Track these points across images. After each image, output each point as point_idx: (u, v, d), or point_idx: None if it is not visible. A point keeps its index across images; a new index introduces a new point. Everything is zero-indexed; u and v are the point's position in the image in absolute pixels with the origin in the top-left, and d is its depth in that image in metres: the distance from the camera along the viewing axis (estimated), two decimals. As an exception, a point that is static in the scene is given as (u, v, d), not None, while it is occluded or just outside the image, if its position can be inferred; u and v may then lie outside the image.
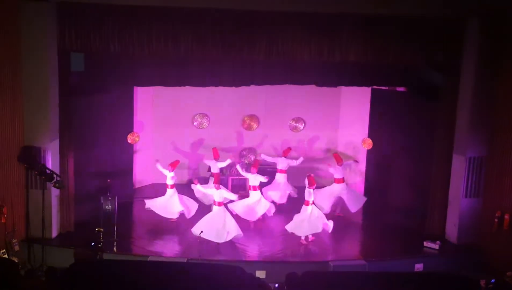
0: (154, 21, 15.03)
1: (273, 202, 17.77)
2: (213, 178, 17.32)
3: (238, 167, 17.50)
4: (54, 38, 14.89)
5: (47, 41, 14.73)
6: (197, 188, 16.94)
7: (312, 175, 16.23)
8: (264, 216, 17.16)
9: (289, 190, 18.15)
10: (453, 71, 15.81)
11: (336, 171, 17.51)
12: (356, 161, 18.50)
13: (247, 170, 17.53)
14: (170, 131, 19.81)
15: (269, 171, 18.05)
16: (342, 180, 17.48)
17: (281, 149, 19.15)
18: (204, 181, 18.40)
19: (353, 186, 19.09)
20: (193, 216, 16.71)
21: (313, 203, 16.04)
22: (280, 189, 18.12)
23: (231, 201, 16.73)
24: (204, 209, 16.93)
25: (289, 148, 18.53)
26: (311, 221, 15.79)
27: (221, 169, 18.27)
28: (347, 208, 17.49)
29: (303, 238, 15.93)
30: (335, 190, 17.43)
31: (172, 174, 16.79)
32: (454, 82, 15.84)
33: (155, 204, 16.83)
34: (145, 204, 16.98)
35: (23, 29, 14.62)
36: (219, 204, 15.81)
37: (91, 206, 16.61)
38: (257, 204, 16.81)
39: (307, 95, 19.51)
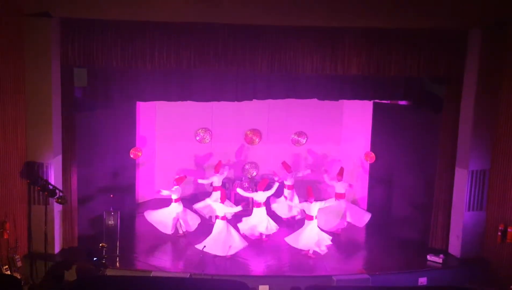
0: (157, 35, 15.09)
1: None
2: (216, 193, 17.26)
3: (239, 190, 17.36)
4: (57, 54, 14.95)
5: (50, 57, 14.78)
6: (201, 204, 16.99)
7: (310, 186, 16.24)
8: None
9: (293, 209, 18.08)
10: (455, 83, 15.83)
11: (337, 186, 17.46)
12: (350, 185, 18.16)
13: (252, 188, 17.50)
14: (173, 146, 19.82)
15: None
16: (343, 196, 17.44)
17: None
18: (207, 195, 18.48)
19: (356, 200, 19.09)
20: (196, 230, 16.75)
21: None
22: (286, 205, 18.12)
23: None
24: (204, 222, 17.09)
25: (283, 162, 18.47)
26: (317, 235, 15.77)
27: (223, 183, 18.27)
28: (353, 224, 17.44)
29: (311, 252, 15.88)
30: (338, 207, 17.32)
31: (177, 187, 16.85)
32: (456, 94, 15.86)
33: (161, 222, 16.84)
34: (146, 217, 17.02)
35: (27, 45, 14.69)
36: (223, 218, 15.80)
37: (94, 221, 16.61)
38: (262, 223, 16.76)
39: (309, 109, 19.52)
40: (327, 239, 15.90)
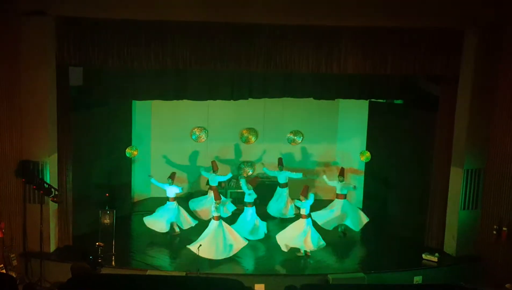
0: (152, 34, 15.06)
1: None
2: (212, 191, 17.26)
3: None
4: (52, 53, 14.92)
5: (45, 56, 14.77)
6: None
7: (306, 185, 16.21)
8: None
9: (287, 206, 18.14)
10: (451, 82, 15.84)
11: (337, 186, 17.43)
12: (354, 187, 18.09)
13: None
14: (169, 144, 19.79)
15: (267, 184, 18.11)
16: (343, 196, 17.41)
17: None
18: (203, 194, 18.50)
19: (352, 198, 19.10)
20: (191, 229, 16.76)
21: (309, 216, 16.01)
22: (280, 204, 18.16)
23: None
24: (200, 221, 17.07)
25: (280, 158, 18.52)
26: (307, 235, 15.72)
27: (219, 182, 18.26)
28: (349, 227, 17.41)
29: (302, 251, 15.88)
30: (337, 208, 17.29)
31: (174, 186, 16.85)
32: (451, 93, 15.88)
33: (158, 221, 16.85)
34: (143, 217, 17.05)
35: (22, 44, 14.64)
36: (216, 218, 15.74)
37: (89, 220, 16.60)
38: (252, 222, 16.78)
39: (305, 108, 19.52)
40: (317, 243, 15.78)
